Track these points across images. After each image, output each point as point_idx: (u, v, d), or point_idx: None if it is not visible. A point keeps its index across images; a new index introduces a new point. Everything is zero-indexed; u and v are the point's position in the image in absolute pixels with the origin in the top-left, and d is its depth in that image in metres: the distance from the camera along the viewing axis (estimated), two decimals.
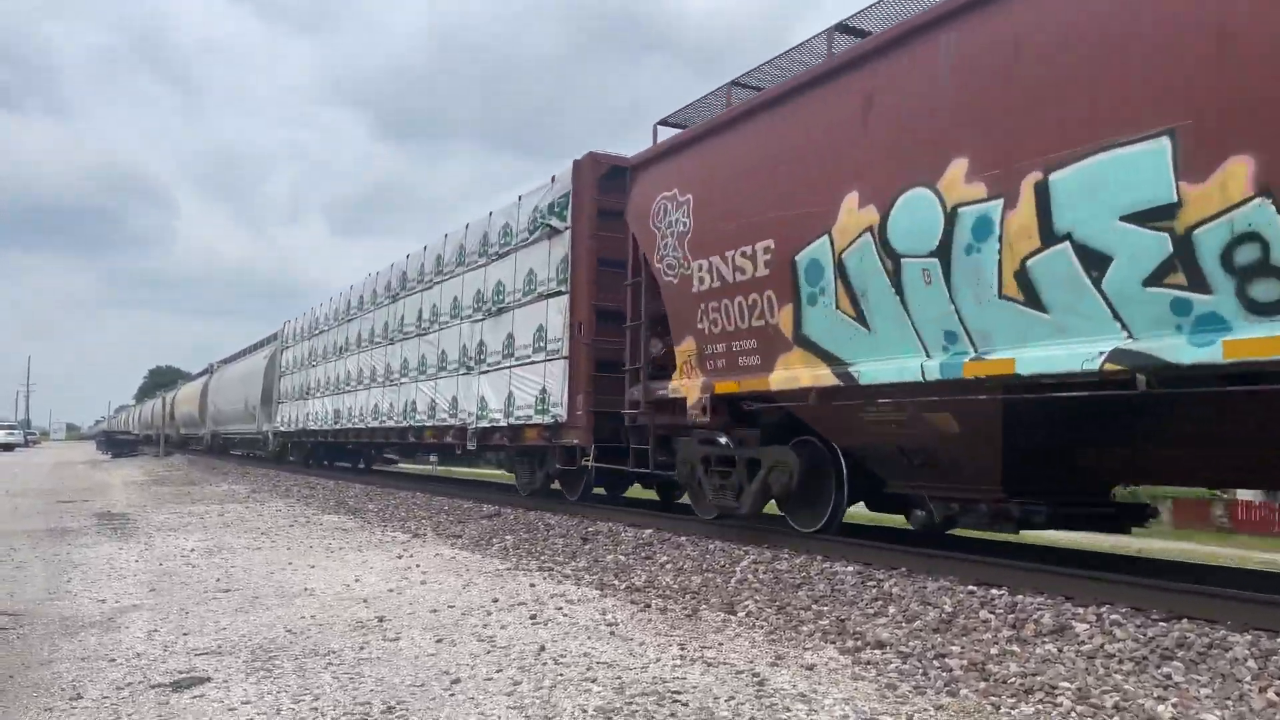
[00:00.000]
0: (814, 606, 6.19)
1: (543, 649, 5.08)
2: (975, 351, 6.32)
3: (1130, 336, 5.38)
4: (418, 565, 8.30)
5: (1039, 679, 4.40)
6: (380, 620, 5.89)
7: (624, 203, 10.76)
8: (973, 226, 6.20)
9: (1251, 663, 4.41)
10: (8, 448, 56.43)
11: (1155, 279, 5.21)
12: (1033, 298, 5.90)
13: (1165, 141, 5.12)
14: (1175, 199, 5.07)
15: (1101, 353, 5.47)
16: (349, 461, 28.48)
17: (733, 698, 4.15)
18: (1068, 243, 5.62)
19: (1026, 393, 6.13)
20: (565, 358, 11.73)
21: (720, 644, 5.25)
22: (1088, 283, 5.52)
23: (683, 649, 5.09)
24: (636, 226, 10.32)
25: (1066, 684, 4.31)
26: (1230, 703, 4.01)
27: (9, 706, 4.11)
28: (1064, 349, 5.72)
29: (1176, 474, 7.54)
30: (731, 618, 5.99)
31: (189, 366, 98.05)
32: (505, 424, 13.24)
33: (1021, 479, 6.67)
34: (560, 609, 6.25)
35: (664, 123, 10.43)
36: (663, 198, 9.77)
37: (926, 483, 7.40)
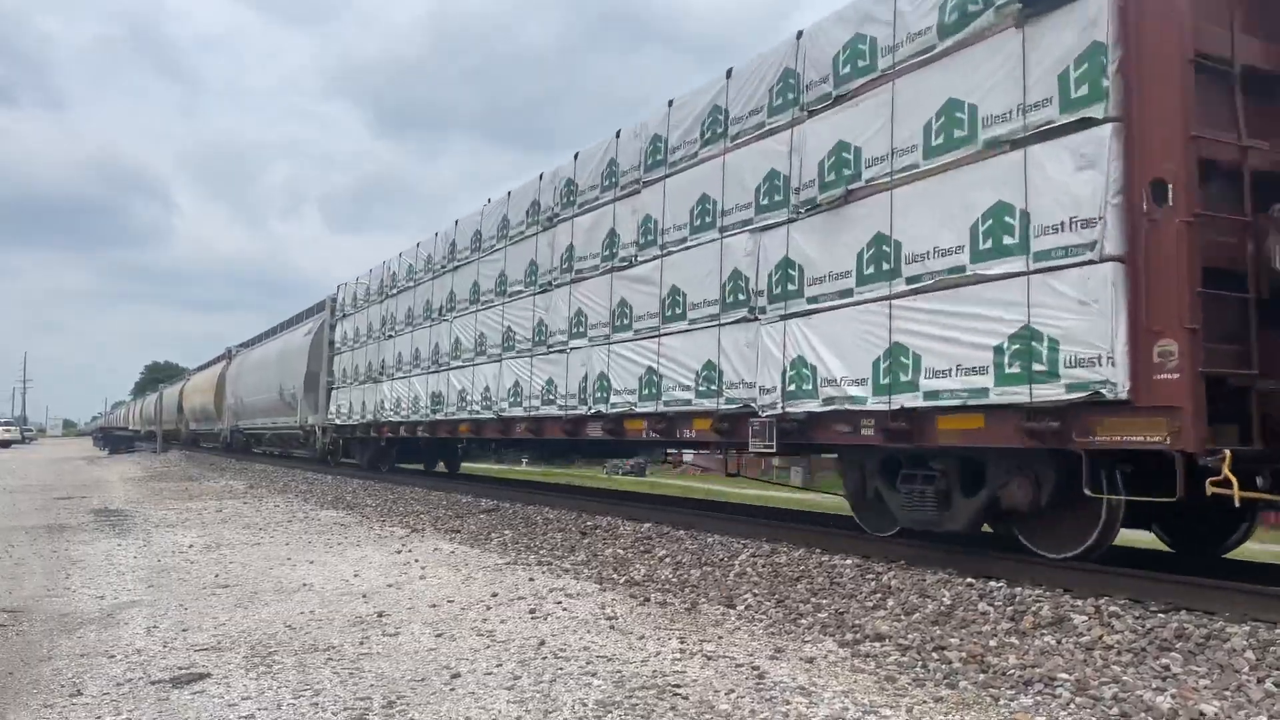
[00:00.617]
0: (813, 599, 6.20)
1: (542, 643, 5.09)
2: None
3: None
4: (417, 560, 8.31)
5: (1038, 671, 4.41)
6: (380, 615, 5.89)
7: None
8: None
9: (1250, 653, 4.43)
10: (5, 444, 56.32)
11: None
12: None
13: None
14: None
15: None
16: (423, 462, 21.47)
17: (732, 691, 4.16)
18: None
19: None
20: (1116, 260, 5.55)
21: (720, 637, 5.26)
22: None
23: (682, 642, 5.10)
24: None
25: (1065, 675, 4.32)
26: (1229, 693, 4.02)
27: (9, 703, 4.11)
28: None
29: None
30: (731, 611, 6.00)
31: (187, 361, 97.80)
32: (885, 406, 6.92)
33: None
34: (560, 603, 6.26)
35: None
36: None
37: None
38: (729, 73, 9.00)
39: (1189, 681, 4.19)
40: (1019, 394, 5.94)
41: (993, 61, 6.31)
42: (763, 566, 7.30)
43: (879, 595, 6.18)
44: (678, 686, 4.22)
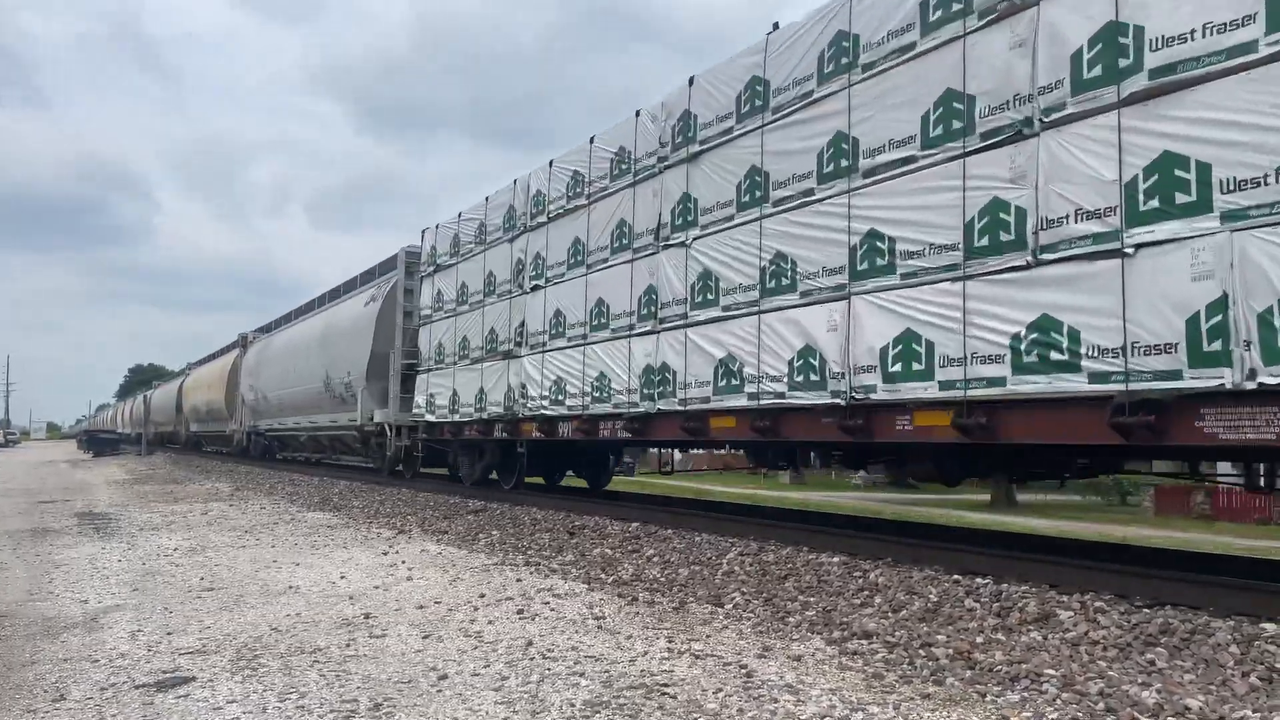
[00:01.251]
0: (800, 597, 6.20)
1: (530, 643, 5.07)
2: None
3: None
4: (404, 561, 8.27)
5: (1024, 666, 4.42)
6: (366, 617, 5.86)
7: None
8: None
9: (1234, 648, 4.45)
10: None
11: None
12: None
13: None
14: None
15: None
16: (553, 472, 16.00)
17: (720, 690, 4.15)
18: None
19: None
20: None
21: (708, 636, 5.25)
22: None
23: (670, 642, 5.09)
24: None
25: (1051, 671, 4.33)
26: (1214, 687, 4.04)
27: None
28: None
29: None
30: (719, 610, 6.00)
31: (172, 364, 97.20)
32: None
33: None
34: (547, 603, 6.24)
35: None
36: None
37: None
38: None
39: (1174, 676, 4.21)
40: None
41: None
42: (750, 565, 7.30)
43: (866, 593, 6.19)
44: (666, 686, 4.22)
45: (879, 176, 7.28)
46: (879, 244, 7.19)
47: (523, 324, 12.89)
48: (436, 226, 16.09)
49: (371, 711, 3.92)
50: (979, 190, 6.44)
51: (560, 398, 11.66)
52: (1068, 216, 5.87)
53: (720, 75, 9.27)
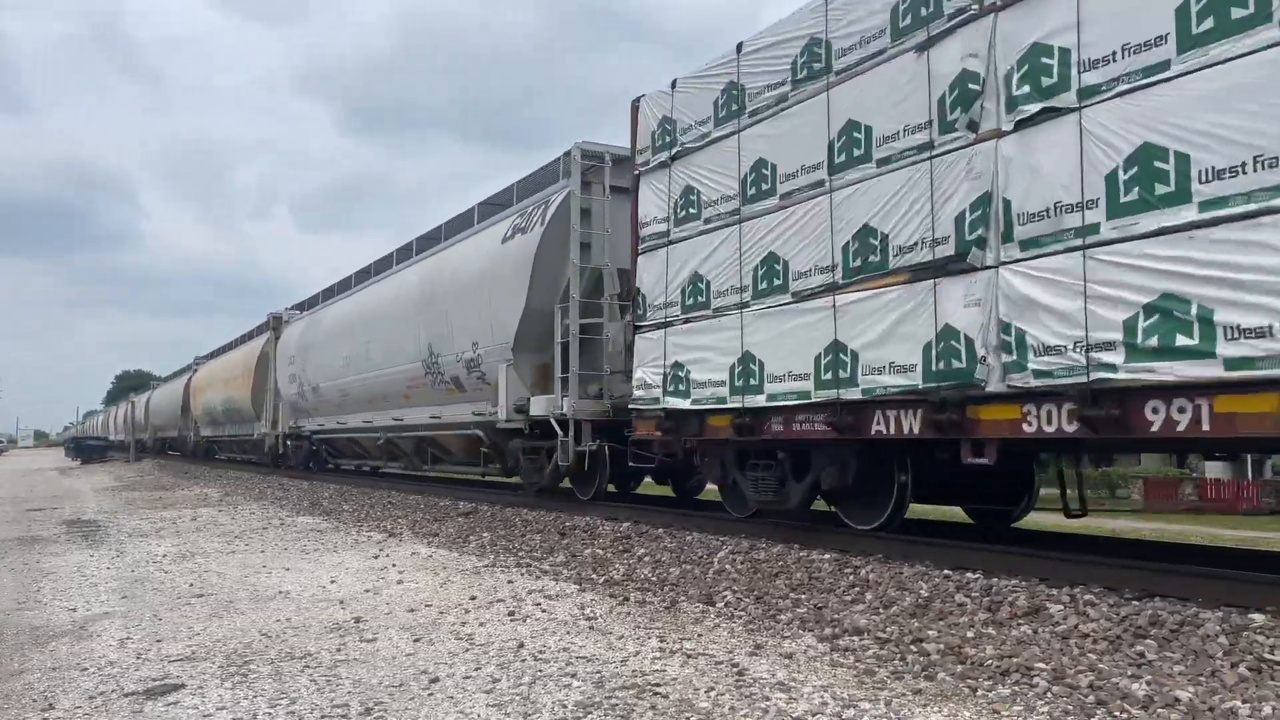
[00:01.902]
0: (792, 595, 6.21)
1: (521, 645, 5.06)
2: None
3: None
4: (394, 565, 8.25)
5: (1015, 660, 4.44)
6: (357, 621, 5.85)
7: None
8: None
9: (1223, 639, 4.47)
10: None
11: None
12: None
13: None
14: None
15: None
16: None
17: (712, 688, 4.15)
18: None
19: None
20: None
21: (699, 635, 5.25)
22: None
23: (662, 641, 5.09)
24: None
25: (1042, 665, 4.34)
26: (1203, 679, 4.06)
27: None
28: None
29: None
30: (710, 609, 6.00)
31: (160, 370, 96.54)
32: None
33: None
34: (539, 605, 6.24)
35: None
36: None
37: None
38: None
39: (1164, 668, 4.23)
40: None
41: None
42: (741, 563, 7.31)
43: (857, 589, 6.20)
44: (658, 685, 4.22)
45: None
46: None
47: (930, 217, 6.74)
48: (674, 84, 9.70)
49: (362, 716, 3.91)
50: None
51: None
52: None
53: None
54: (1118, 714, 3.70)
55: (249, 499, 17.31)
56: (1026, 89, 6.09)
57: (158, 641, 5.42)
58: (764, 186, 8.45)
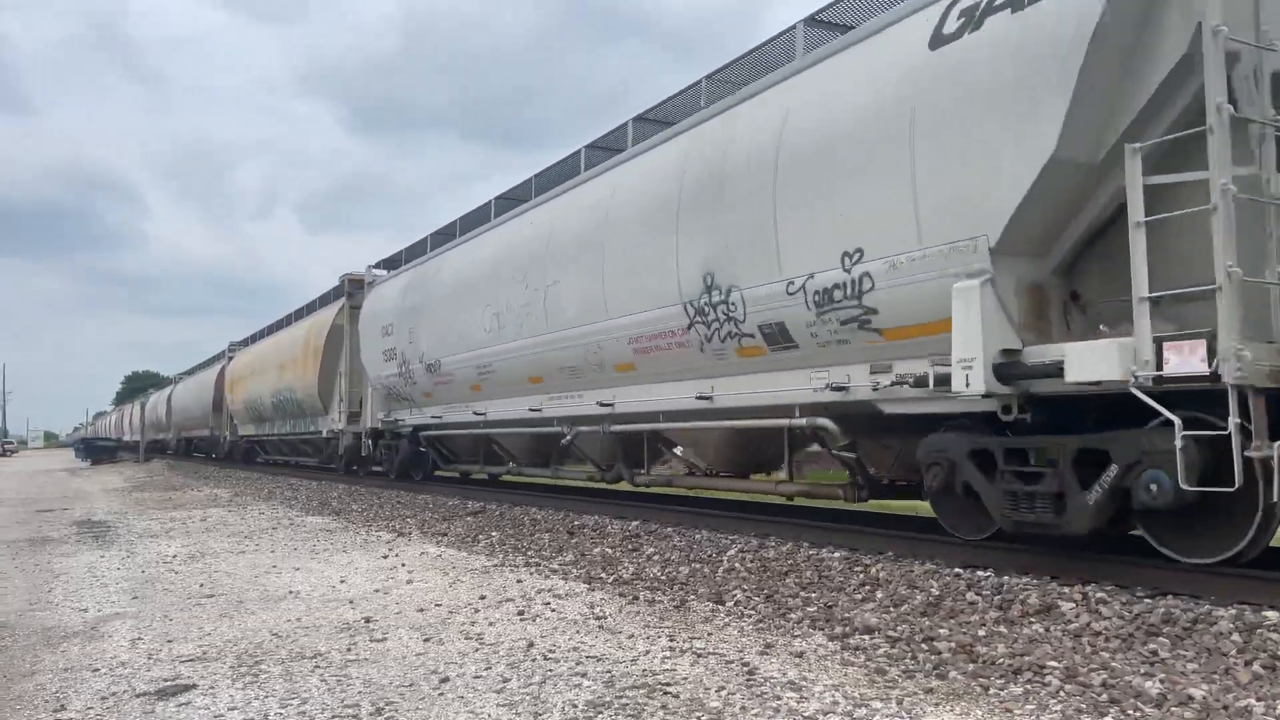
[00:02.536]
0: (802, 594, 6.19)
1: (531, 645, 5.06)
2: None
3: None
4: (403, 564, 8.26)
5: (1027, 659, 4.42)
6: (367, 621, 5.85)
7: None
8: None
9: (1236, 636, 4.45)
10: None
11: None
12: None
13: None
14: None
15: None
16: None
17: (723, 688, 4.14)
18: None
19: None
20: None
21: (709, 634, 5.24)
22: None
23: (672, 640, 5.08)
24: None
25: (1054, 663, 4.32)
26: (1217, 676, 4.03)
27: None
28: None
29: None
30: (720, 607, 5.99)
31: (167, 370, 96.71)
32: None
33: None
34: (548, 604, 6.23)
35: None
36: None
37: None
38: None
39: (1177, 666, 4.21)
40: None
41: None
42: (751, 562, 7.29)
43: (867, 587, 6.18)
44: (668, 685, 4.21)
45: None
46: None
47: None
48: None
49: (373, 716, 3.91)
50: None
51: None
52: None
53: None
54: (1131, 712, 3.68)
55: (258, 499, 17.35)
56: None
57: (169, 642, 5.43)
58: None
